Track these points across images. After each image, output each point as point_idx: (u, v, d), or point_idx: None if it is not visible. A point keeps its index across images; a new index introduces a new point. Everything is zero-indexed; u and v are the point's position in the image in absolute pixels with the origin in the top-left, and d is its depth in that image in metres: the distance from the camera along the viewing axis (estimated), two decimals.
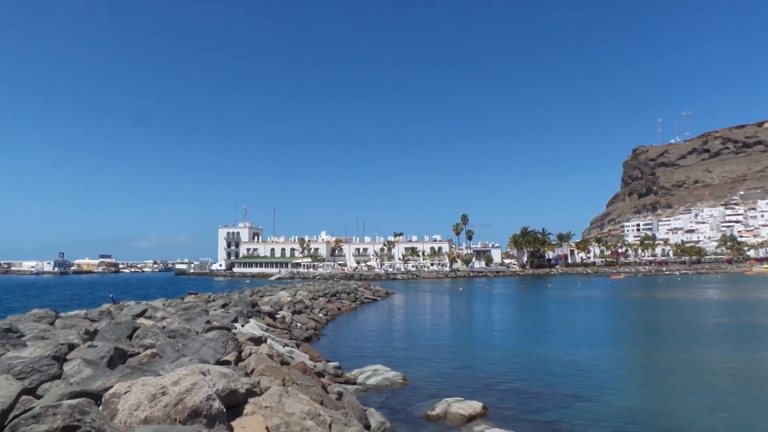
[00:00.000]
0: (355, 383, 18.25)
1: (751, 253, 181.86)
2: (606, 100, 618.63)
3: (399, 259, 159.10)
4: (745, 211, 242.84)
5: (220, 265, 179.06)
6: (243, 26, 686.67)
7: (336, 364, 20.42)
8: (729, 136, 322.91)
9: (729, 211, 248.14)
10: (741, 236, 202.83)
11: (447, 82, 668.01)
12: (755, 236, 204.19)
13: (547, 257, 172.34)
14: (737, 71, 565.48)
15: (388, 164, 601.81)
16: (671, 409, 15.94)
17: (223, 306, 29.50)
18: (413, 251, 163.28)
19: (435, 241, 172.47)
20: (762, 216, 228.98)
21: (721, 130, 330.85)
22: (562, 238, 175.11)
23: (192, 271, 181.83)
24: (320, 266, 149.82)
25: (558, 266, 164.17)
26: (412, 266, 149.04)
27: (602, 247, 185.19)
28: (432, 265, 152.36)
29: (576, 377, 19.89)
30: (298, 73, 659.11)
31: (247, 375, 11.28)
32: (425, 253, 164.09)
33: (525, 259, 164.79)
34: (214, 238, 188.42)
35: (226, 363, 12.25)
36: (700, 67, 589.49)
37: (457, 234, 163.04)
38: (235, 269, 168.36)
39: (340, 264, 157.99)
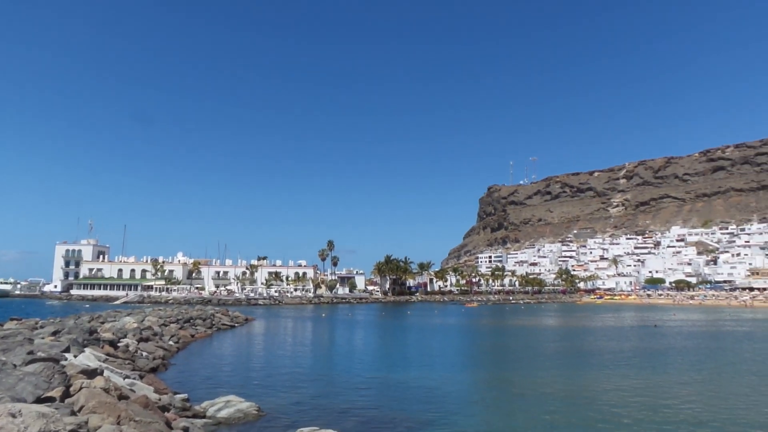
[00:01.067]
0: (204, 417, 16.99)
1: (581, 285, 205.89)
2: (468, 140, 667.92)
3: (262, 283, 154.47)
4: (578, 248, 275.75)
5: (55, 287, 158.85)
6: None
7: (184, 396, 18.88)
8: (567, 181, 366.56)
9: (565, 248, 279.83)
10: (574, 270, 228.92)
11: (313, 105, 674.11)
12: (585, 270, 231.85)
13: (408, 285, 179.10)
14: (574, 125, 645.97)
15: (254, 186, 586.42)
16: (511, 429, 17.12)
17: (54, 333, 26.02)
18: (277, 276, 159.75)
19: (300, 266, 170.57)
20: (591, 253, 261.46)
21: (561, 176, 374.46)
22: (423, 267, 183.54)
23: (18, 292, 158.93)
24: (175, 290, 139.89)
25: (418, 294, 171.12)
26: (275, 291, 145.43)
27: (458, 277, 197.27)
28: (296, 290, 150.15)
29: (430, 402, 20.54)
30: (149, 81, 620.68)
31: (74, 413, 9.89)
32: (289, 278, 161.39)
33: (387, 286, 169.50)
34: (50, 255, 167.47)
35: (50, 400, 10.67)
36: (547, 117, 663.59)
37: (323, 260, 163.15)
38: (74, 291, 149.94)
39: (197, 288, 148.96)
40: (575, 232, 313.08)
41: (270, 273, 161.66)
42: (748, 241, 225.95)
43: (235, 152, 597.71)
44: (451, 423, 17.49)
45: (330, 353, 39.47)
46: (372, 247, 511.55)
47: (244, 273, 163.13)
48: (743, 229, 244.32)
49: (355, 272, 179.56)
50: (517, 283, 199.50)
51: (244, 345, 43.77)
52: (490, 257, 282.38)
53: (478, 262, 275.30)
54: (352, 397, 21.68)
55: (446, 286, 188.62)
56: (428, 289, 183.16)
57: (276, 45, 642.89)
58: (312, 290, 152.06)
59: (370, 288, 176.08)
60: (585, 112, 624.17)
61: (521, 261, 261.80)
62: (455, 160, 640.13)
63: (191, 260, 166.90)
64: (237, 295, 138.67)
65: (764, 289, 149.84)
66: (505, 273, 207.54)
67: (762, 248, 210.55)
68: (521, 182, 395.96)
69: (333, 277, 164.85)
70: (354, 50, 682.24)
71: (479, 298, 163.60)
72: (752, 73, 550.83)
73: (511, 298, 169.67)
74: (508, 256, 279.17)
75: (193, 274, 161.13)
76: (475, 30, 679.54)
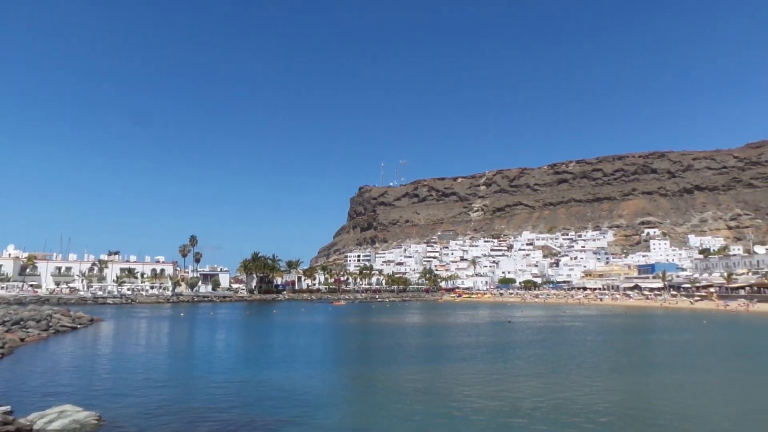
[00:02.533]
0: (30, 431, 14.82)
1: (443, 284, 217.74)
2: (341, 141, 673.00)
3: (113, 281, 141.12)
4: (441, 249, 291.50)
5: None
6: None
7: (7, 408, 16.32)
8: (433, 185, 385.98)
9: (429, 248, 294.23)
10: (437, 270, 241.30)
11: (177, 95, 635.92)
12: (446, 270, 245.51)
13: (276, 283, 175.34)
14: (441, 131, 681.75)
15: (105, 172, 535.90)
16: (371, 423, 17.28)
17: None
18: (131, 272, 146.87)
19: (158, 262, 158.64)
20: (452, 254, 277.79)
21: (428, 180, 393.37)
22: (291, 265, 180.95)
23: None
24: (2, 287, 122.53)
25: (285, 292, 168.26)
26: (128, 289, 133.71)
27: (327, 275, 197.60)
28: (152, 288, 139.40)
29: (292, 401, 20.03)
30: None
31: None
32: (145, 275, 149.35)
33: (254, 284, 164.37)
34: None
35: None
36: (417, 122, 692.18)
37: (184, 256, 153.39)
38: None
39: (32, 285, 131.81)
40: (439, 234, 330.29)
41: (122, 269, 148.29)
42: (583, 246, 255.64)
43: (82, 130, 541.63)
44: (312, 421, 17.18)
45: (187, 355, 37.05)
46: (239, 244, 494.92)
47: (91, 269, 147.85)
48: (580, 236, 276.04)
49: (219, 269, 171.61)
50: (384, 281, 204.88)
51: (88, 348, 39.46)
52: (359, 256, 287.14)
53: (347, 261, 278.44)
54: (208, 400, 20.41)
55: (315, 284, 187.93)
56: (296, 287, 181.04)
57: (144, 35, 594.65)
58: (171, 288, 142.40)
59: (235, 286, 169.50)
60: (452, 120, 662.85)
61: (389, 260, 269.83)
62: (328, 160, 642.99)
63: (25, 254, 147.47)
64: (82, 293, 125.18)
65: (595, 288, 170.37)
66: (373, 272, 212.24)
67: (594, 253, 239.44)
68: (391, 184, 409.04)
69: (195, 275, 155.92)
70: (228, 47, 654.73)
71: (347, 297, 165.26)
72: (592, 96, 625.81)
73: (377, 296, 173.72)
74: (377, 255, 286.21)
75: (27, 270, 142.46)
76: (350, 31, 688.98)
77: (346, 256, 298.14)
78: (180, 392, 22.19)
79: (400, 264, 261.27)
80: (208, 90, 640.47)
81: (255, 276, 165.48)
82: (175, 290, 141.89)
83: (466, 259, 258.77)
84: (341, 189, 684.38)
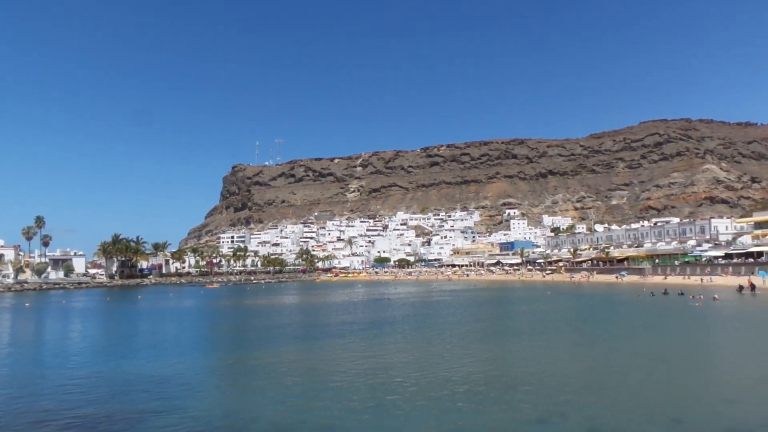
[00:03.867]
0: None
1: (320, 264, 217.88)
2: (214, 118, 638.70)
3: None
4: (318, 229, 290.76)
5: None
6: None
7: None
8: (310, 165, 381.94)
9: (306, 229, 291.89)
10: (314, 250, 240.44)
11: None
12: (323, 250, 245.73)
13: (140, 267, 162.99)
14: (319, 111, 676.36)
15: None
16: (244, 407, 16.71)
17: None
18: None
19: None
20: (329, 234, 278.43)
21: (304, 160, 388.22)
22: (158, 248, 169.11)
23: None
24: None
25: (151, 276, 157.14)
26: None
27: (198, 257, 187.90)
28: None
29: (157, 392, 18.70)
30: None
31: None
32: None
33: (115, 269, 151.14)
34: None
35: None
36: (295, 101, 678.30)
37: (29, 239, 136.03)
38: None
39: None
40: (316, 214, 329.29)
41: None
42: (453, 226, 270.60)
43: None
44: (179, 410, 16.18)
45: (35, 350, 33.05)
46: (97, 226, 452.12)
47: None
48: (450, 216, 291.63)
49: (73, 254, 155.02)
50: (259, 263, 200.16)
51: None
52: (232, 237, 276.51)
53: (220, 243, 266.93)
54: (58, 398, 18.33)
55: (184, 267, 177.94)
56: (164, 271, 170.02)
57: None
58: (12, 275, 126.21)
59: (92, 271, 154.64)
60: (329, 101, 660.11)
61: (264, 241, 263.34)
62: (199, 137, 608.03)
63: None
64: None
65: (462, 265, 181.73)
66: (248, 253, 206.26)
67: (462, 232, 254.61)
68: (267, 163, 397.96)
69: (43, 260, 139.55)
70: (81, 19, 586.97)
71: (220, 279, 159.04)
72: (461, 85, 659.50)
73: (252, 278, 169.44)
74: (252, 236, 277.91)
75: None
76: (224, 4, 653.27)
77: (219, 238, 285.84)
78: (24, 392, 19.69)
79: (277, 245, 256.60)
80: (57, 59, 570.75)
81: (116, 260, 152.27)
82: (18, 277, 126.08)
83: (342, 239, 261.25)
84: (213, 168, 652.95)
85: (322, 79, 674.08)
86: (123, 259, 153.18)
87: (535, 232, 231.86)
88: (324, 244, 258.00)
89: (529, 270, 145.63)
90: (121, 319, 53.03)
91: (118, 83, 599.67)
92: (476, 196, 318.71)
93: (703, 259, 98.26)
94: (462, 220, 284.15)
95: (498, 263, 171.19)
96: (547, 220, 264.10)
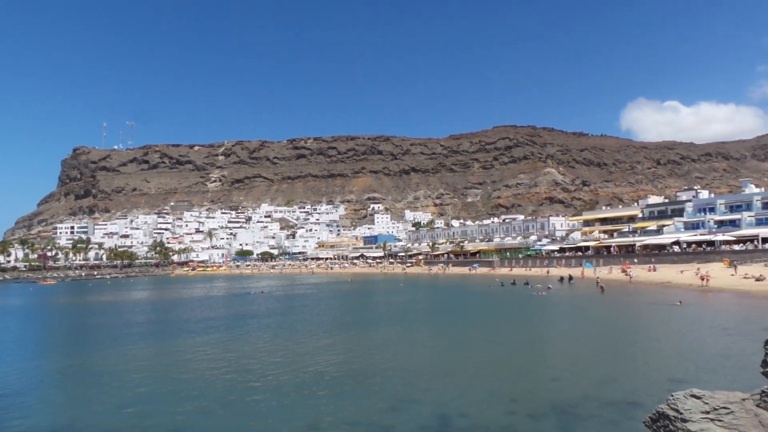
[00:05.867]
0: None
1: (176, 257, 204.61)
2: (54, 93, 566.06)
3: None
4: (174, 220, 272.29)
5: None
6: None
7: None
8: (166, 152, 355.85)
9: (161, 220, 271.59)
10: (169, 243, 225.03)
11: None
12: (180, 243, 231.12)
13: None
14: (177, 94, 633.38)
15: None
16: (80, 418, 15.17)
17: None
18: None
19: None
20: (186, 225, 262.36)
21: (160, 146, 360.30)
22: None
23: None
24: None
25: None
26: None
27: (28, 250, 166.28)
28: None
29: None
30: None
31: None
32: None
33: None
34: None
35: None
36: (148, 82, 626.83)
37: None
38: None
39: None
40: (172, 204, 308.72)
41: None
42: (318, 219, 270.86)
43: None
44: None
45: None
46: None
47: None
48: (315, 209, 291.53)
49: None
50: (104, 256, 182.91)
51: None
52: (72, 228, 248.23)
53: (56, 234, 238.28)
54: None
55: (10, 261, 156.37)
56: None
57: None
58: None
59: None
60: (187, 85, 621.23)
61: (111, 233, 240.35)
62: (33, 111, 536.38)
63: None
64: None
65: (327, 258, 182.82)
66: (91, 246, 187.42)
67: (328, 225, 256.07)
68: (115, 147, 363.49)
69: None
70: None
71: (56, 275, 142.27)
72: (331, 82, 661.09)
73: (96, 273, 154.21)
74: (96, 227, 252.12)
75: None
76: None
77: (56, 228, 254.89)
78: None
79: (126, 236, 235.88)
80: None
81: None
82: None
83: (202, 231, 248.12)
84: (49, 149, 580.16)
85: (181, 59, 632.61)
86: None
87: (398, 227, 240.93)
88: (181, 236, 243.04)
89: (391, 263, 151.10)
90: None
91: None
92: (342, 190, 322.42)
93: (543, 253, 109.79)
94: (327, 213, 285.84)
95: (362, 256, 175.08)
96: (409, 215, 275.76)
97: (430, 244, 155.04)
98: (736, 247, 77.31)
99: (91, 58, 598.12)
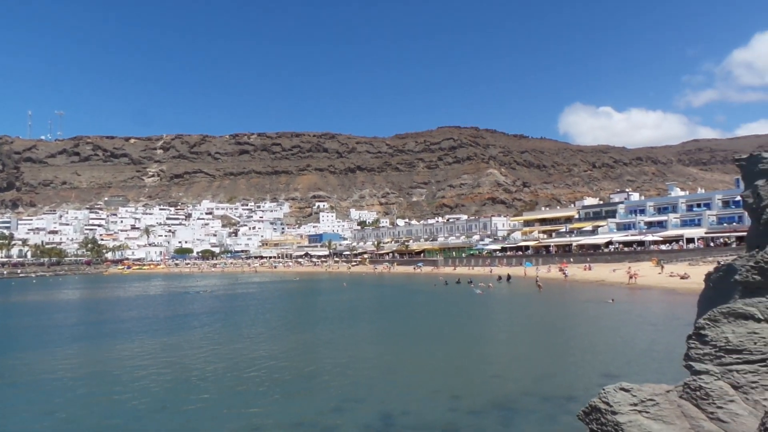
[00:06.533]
0: None
1: (110, 255, 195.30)
2: None
3: None
4: (108, 216, 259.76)
5: None
6: None
7: None
8: (100, 144, 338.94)
9: (93, 215, 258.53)
10: (102, 239, 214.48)
11: None
12: (114, 240, 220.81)
13: None
14: (110, 84, 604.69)
15: None
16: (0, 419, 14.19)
17: None
18: None
19: None
20: (122, 221, 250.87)
21: (93, 137, 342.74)
22: None
23: None
24: None
25: None
26: None
27: None
28: None
29: None
30: None
31: None
32: None
33: None
34: None
35: None
36: (80, 69, 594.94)
37: None
38: None
39: None
40: (106, 199, 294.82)
41: None
42: (262, 217, 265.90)
43: None
44: None
45: None
46: None
47: None
48: (259, 206, 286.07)
49: None
50: (29, 253, 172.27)
51: None
52: None
53: None
54: None
55: None
56: None
57: None
58: None
59: None
60: (124, 73, 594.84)
61: (37, 228, 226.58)
62: None
63: None
64: None
65: (271, 257, 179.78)
66: (14, 242, 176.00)
67: (272, 223, 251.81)
68: (43, 137, 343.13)
69: None
70: None
71: None
72: (274, 76, 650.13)
73: (20, 271, 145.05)
74: (20, 222, 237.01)
75: None
76: None
77: None
78: None
79: (55, 233, 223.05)
80: None
81: None
82: None
83: (138, 228, 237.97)
84: None
85: (117, 46, 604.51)
86: None
87: (343, 225, 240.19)
88: (115, 232, 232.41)
89: (336, 262, 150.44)
90: None
91: None
92: (287, 187, 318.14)
93: (485, 252, 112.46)
94: (271, 211, 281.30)
95: (306, 255, 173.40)
96: (354, 213, 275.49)
97: (376, 243, 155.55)
98: (663, 247, 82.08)
99: (15, 40, 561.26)
